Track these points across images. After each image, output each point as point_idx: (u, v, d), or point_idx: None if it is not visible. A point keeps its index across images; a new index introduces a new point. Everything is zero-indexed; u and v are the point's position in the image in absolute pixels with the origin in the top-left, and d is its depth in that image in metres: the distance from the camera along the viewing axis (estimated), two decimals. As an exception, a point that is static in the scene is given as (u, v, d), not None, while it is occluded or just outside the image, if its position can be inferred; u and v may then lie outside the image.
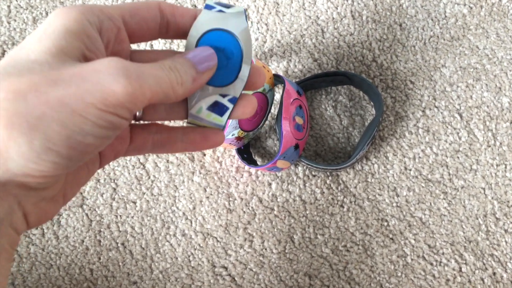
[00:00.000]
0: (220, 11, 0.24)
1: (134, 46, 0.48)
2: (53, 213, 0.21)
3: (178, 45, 0.47)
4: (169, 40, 0.47)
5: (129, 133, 0.25)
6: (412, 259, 0.41)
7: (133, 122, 0.26)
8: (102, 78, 0.17)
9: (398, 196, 0.42)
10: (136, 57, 0.24)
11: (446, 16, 0.46)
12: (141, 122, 0.26)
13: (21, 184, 0.19)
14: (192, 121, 0.25)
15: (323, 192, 0.43)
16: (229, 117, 0.25)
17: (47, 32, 0.19)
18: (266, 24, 0.47)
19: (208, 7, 0.24)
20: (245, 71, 0.24)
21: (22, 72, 0.18)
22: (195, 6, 0.48)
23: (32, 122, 0.17)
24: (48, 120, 0.17)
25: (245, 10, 0.24)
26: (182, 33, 0.25)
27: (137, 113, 0.24)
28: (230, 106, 0.24)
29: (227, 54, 0.24)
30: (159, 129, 0.26)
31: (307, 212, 0.42)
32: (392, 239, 0.42)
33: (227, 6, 0.24)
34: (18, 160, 0.17)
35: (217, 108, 0.24)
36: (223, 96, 0.24)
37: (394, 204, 0.42)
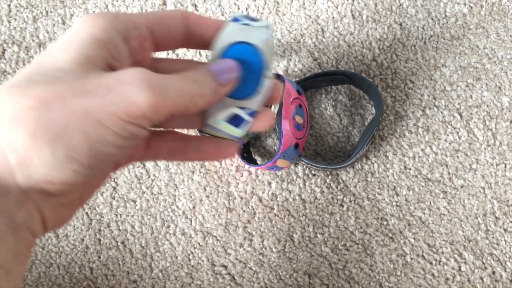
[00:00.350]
0: (246, 24, 0.24)
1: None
2: (70, 217, 0.22)
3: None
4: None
5: (145, 139, 0.25)
6: (411, 258, 0.41)
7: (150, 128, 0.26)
8: (127, 90, 0.18)
9: (397, 195, 0.42)
10: (158, 65, 0.24)
11: (446, 16, 0.46)
12: (158, 129, 0.26)
13: (41, 191, 0.19)
14: (209, 131, 0.25)
15: (323, 191, 0.43)
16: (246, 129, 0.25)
17: (74, 40, 0.19)
18: (266, 23, 0.47)
19: (235, 19, 0.24)
20: (266, 84, 0.24)
21: (48, 81, 0.18)
22: (195, 6, 0.48)
23: (56, 132, 0.17)
24: (71, 129, 0.17)
25: (270, 25, 0.24)
26: (206, 43, 0.25)
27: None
28: (248, 119, 0.24)
29: (249, 67, 0.24)
30: (175, 137, 0.26)
31: (307, 211, 0.42)
32: (391, 238, 0.42)
33: (253, 19, 0.24)
34: (40, 168, 0.18)
35: (235, 120, 0.24)
36: (242, 108, 0.24)
37: (394, 203, 0.42)
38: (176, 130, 0.28)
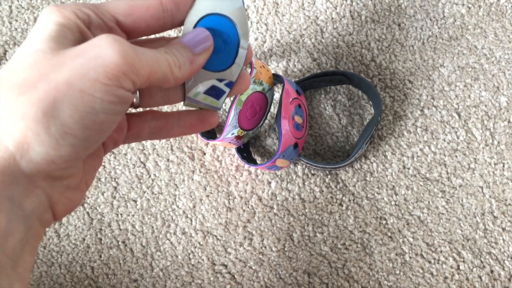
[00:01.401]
0: None
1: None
2: (78, 201, 0.22)
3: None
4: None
5: (126, 121, 0.25)
6: (410, 257, 0.41)
7: (131, 110, 0.26)
8: (101, 51, 0.18)
9: (396, 194, 0.43)
10: None
11: (444, 16, 0.46)
12: (138, 110, 0.26)
13: (46, 176, 0.19)
14: (189, 104, 0.25)
15: (322, 191, 0.43)
16: (225, 98, 0.25)
17: (42, 25, 0.20)
18: (265, 24, 0.47)
19: None
20: (242, 55, 0.24)
21: (28, 64, 0.18)
22: None
23: (46, 110, 0.17)
24: (59, 105, 0.18)
25: None
26: (183, 22, 0.24)
27: (134, 100, 0.25)
28: (227, 90, 0.25)
29: (224, 39, 0.24)
30: (155, 116, 0.26)
31: (306, 211, 0.43)
32: (390, 237, 0.42)
33: None
34: (38, 149, 0.18)
35: (214, 92, 0.25)
36: (220, 80, 0.25)
37: (393, 203, 0.42)
38: (155, 109, 0.28)
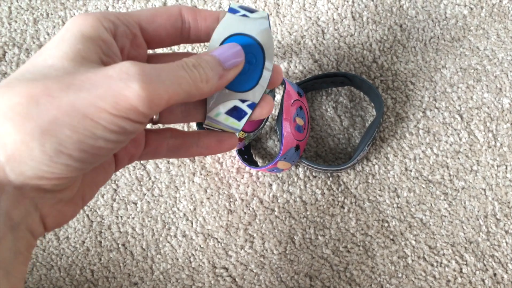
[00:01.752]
0: (244, 15, 0.24)
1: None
2: (71, 215, 0.21)
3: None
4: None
5: (144, 137, 0.25)
6: (412, 260, 0.41)
7: (149, 126, 0.26)
8: (113, 84, 0.18)
9: (398, 197, 0.42)
10: (154, 61, 0.24)
11: (446, 17, 0.46)
12: (156, 126, 0.26)
13: (36, 187, 0.19)
14: (210, 124, 0.25)
15: (324, 193, 0.43)
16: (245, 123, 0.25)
17: (64, 38, 0.19)
18: (266, 25, 0.47)
19: (232, 10, 0.24)
20: (266, 77, 0.24)
21: (37, 77, 0.18)
22: (195, 7, 0.48)
23: (44, 127, 0.17)
24: (59, 124, 0.17)
25: (268, 16, 0.24)
26: (205, 37, 0.24)
27: (154, 117, 0.25)
28: (249, 111, 0.24)
29: (249, 60, 0.24)
30: (174, 134, 0.26)
31: (308, 213, 0.42)
32: (392, 240, 0.42)
33: (251, 11, 0.24)
34: (31, 164, 0.17)
35: (236, 113, 0.24)
36: (243, 101, 0.24)
37: (395, 205, 0.42)
38: (174, 127, 0.28)
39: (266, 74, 0.24)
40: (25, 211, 0.19)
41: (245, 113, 0.24)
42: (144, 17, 0.22)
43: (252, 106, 0.24)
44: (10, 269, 0.18)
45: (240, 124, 0.25)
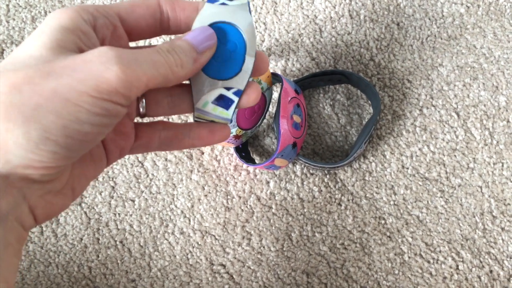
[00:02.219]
0: (223, 3, 0.24)
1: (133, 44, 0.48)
2: (61, 207, 0.21)
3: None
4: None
5: (133, 129, 0.25)
6: (409, 257, 0.41)
7: (138, 120, 0.26)
8: (93, 67, 0.18)
9: (395, 194, 0.42)
10: None
11: (443, 16, 0.46)
12: (146, 120, 0.26)
13: (24, 177, 0.19)
14: (199, 115, 0.25)
15: (321, 190, 0.43)
16: (235, 109, 0.25)
17: (43, 30, 0.20)
18: (264, 23, 0.47)
19: (211, 0, 0.24)
20: (249, 63, 0.24)
21: (18, 67, 0.18)
22: None
23: (28, 114, 0.17)
24: (43, 110, 0.17)
25: (249, 2, 0.24)
26: (185, 28, 0.25)
27: (141, 109, 0.25)
28: (235, 98, 0.24)
29: (230, 47, 0.24)
30: (165, 126, 0.26)
31: (305, 210, 0.42)
32: (389, 237, 0.42)
33: None
34: (17, 152, 0.18)
35: (222, 101, 0.24)
36: (228, 89, 0.24)
37: (392, 202, 0.42)
38: (166, 119, 0.27)
39: (249, 60, 0.24)
40: (13, 202, 0.19)
41: (232, 101, 0.24)
42: (123, 8, 0.22)
43: (238, 93, 0.24)
44: (1, 261, 0.18)
45: (229, 112, 0.24)
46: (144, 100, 0.25)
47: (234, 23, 0.24)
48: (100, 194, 0.44)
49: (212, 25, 0.24)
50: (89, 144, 0.19)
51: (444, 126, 0.43)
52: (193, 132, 0.26)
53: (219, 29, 0.24)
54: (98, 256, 0.43)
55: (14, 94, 0.17)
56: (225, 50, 0.24)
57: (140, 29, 0.23)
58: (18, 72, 0.18)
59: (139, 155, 0.44)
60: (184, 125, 0.26)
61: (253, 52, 0.24)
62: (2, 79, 0.18)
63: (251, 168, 0.44)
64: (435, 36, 0.46)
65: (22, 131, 0.17)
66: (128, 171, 0.44)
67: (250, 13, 0.24)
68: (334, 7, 0.47)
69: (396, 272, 0.41)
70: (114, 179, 0.44)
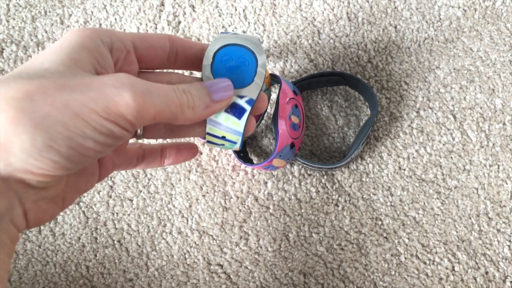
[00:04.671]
0: (235, 33, 0.26)
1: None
2: (51, 215, 0.22)
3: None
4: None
5: (126, 148, 0.27)
6: (405, 258, 0.41)
7: (135, 140, 0.29)
8: (107, 90, 0.19)
9: (392, 195, 0.43)
10: (144, 77, 0.26)
11: (440, 19, 0.47)
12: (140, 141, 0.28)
13: (21, 181, 0.19)
14: (211, 129, 0.25)
15: (318, 191, 0.43)
16: (245, 123, 0.25)
17: (62, 46, 0.20)
18: (263, 25, 0.47)
19: (224, 32, 0.26)
20: (261, 75, 0.25)
21: (33, 77, 0.19)
22: (193, 7, 0.48)
23: (37, 121, 0.18)
24: (51, 120, 0.18)
25: (259, 39, 0.26)
26: (190, 64, 0.26)
27: (138, 131, 0.26)
28: (248, 107, 0.25)
29: (242, 63, 0.25)
30: (142, 146, 0.29)
31: (302, 211, 0.43)
32: (386, 238, 0.42)
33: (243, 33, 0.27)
34: (19, 155, 0.18)
35: (235, 109, 0.25)
36: (241, 97, 0.25)
37: (388, 204, 0.43)
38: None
39: (261, 72, 0.25)
40: (9, 203, 0.19)
41: (245, 110, 0.25)
42: (137, 37, 0.24)
43: (251, 102, 0.25)
44: None
45: (241, 123, 0.25)
46: None
47: (245, 44, 0.25)
48: (99, 193, 0.44)
49: (224, 47, 0.25)
50: (89, 159, 0.20)
51: (441, 128, 0.44)
52: (164, 151, 0.29)
53: (232, 49, 0.25)
54: (95, 255, 0.43)
55: (26, 101, 0.18)
56: (237, 65, 0.25)
57: (150, 58, 0.25)
58: (32, 82, 0.18)
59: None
60: (157, 145, 0.29)
61: (264, 67, 0.25)
62: (16, 86, 0.18)
63: (249, 168, 0.44)
64: (432, 39, 0.46)
65: (28, 137, 0.18)
66: (126, 171, 0.44)
67: (261, 43, 0.26)
68: (333, 10, 0.47)
69: (393, 273, 0.41)
70: (112, 179, 0.44)
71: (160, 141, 0.43)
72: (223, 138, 0.26)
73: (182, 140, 0.44)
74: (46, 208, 0.21)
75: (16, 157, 0.18)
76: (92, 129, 0.18)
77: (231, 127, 0.25)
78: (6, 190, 0.19)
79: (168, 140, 0.43)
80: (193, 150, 0.30)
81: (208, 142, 0.26)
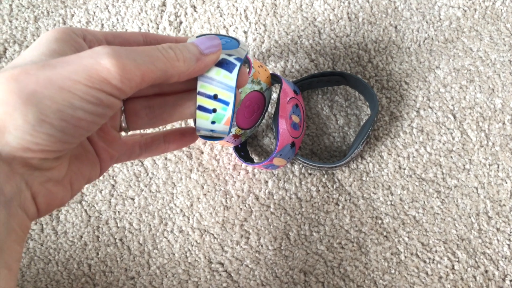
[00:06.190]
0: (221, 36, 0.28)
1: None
2: (61, 199, 0.22)
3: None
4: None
5: (120, 139, 0.28)
6: (405, 257, 0.42)
7: (122, 134, 0.29)
8: (84, 61, 0.19)
9: (392, 194, 0.43)
10: None
11: (440, 19, 0.47)
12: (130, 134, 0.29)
13: (25, 163, 0.20)
14: (202, 86, 0.25)
15: (319, 190, 0.43)
16: (237, 77, 0.26)
17: (40, 43, 0.21)
18: (264, 25, 0.47)
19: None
20: (244, 46, 0.27)
21: (17, 66, 0.20)
22: (194, 7, 0.48)
23: (25, 98, 0.18)
24: (39, 96, 0.18)
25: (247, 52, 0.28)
26: None
27: (122, 124, 0.26)
28: (237, 63, 0.25)
29: (226, 40, 0.27)
30: (144, 135, 0.29)
31: (303, 210, 0.43)
32: (386, 236, 0.42)
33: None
34: (14, 133, 0.19)
35: (225, 65, 0.25)
36: (229, 55, 0.26)
37: (388, 203, 0.43)
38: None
39: (244, 46, 0.27)
40: (16, 187, 0.19)
41: (234, 65, 0.25)
42: (110, 33, 0.25)
43: (239, 60, 0.26)
44: (4, 246, 0.18)
45: (233, 77, 0.25)
46: (124, 115, 0.27)
47: (226, 35, 0.27)
48: (100, 192, 0.44)
49: (205, 35, 0.27)
50: (84, 131, 0.20)
51: (441, 127, 0.44)
52: (166, 136, 0.29)
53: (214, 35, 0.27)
54: (97, 254, 0.43)
55: (11, 83, 0.18)
56: (223, 42, 0.27)
57: None
58: (15, 68, 0.19)
59: (139, 154, 0.45)
60: (160, 132, 0.30)
61: (245, 48, 0.27)
62: (1, 75, 0.19)
63: (250, 167, 0.44)
64: (432, 39, 0.46)
65: (20, 114, 0.18)
66: (128, 170, 0.44)
67: (246, 47, 0.28)
68: (333, 10, 0.47)
69: (393, 271, 0.41)
70: (114, 178, 0.44)
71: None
72: (215, 98, 0.25)
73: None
74: (55, 191, 0.22)
75: (12, 135, 0.19)
76: (79, 99, 0.19)
77: (223, 81, 0.25)
78: (12, 174, 0.19)
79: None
80: (194, 134, 0.30)
81: (199, 120, 0.26)
